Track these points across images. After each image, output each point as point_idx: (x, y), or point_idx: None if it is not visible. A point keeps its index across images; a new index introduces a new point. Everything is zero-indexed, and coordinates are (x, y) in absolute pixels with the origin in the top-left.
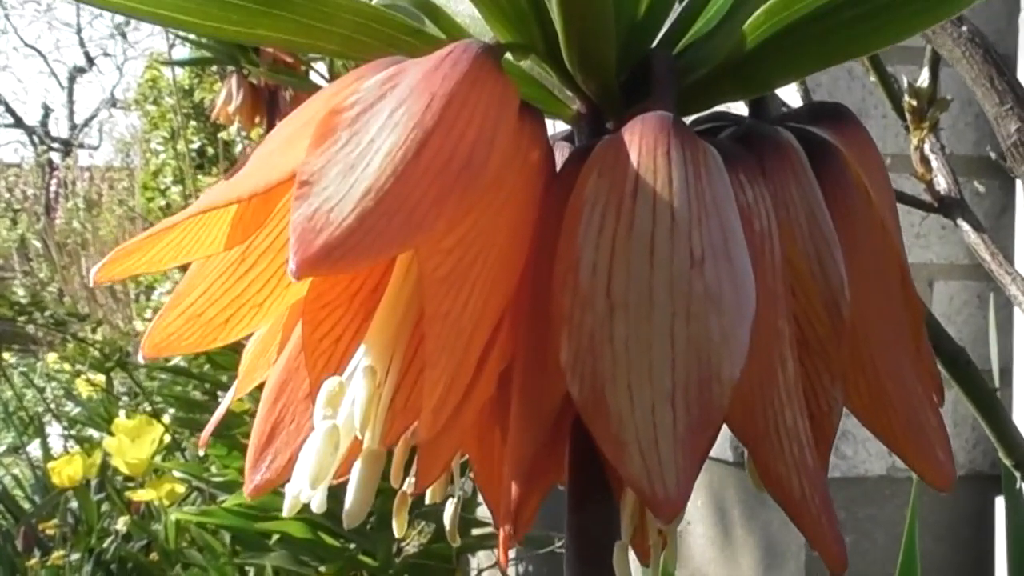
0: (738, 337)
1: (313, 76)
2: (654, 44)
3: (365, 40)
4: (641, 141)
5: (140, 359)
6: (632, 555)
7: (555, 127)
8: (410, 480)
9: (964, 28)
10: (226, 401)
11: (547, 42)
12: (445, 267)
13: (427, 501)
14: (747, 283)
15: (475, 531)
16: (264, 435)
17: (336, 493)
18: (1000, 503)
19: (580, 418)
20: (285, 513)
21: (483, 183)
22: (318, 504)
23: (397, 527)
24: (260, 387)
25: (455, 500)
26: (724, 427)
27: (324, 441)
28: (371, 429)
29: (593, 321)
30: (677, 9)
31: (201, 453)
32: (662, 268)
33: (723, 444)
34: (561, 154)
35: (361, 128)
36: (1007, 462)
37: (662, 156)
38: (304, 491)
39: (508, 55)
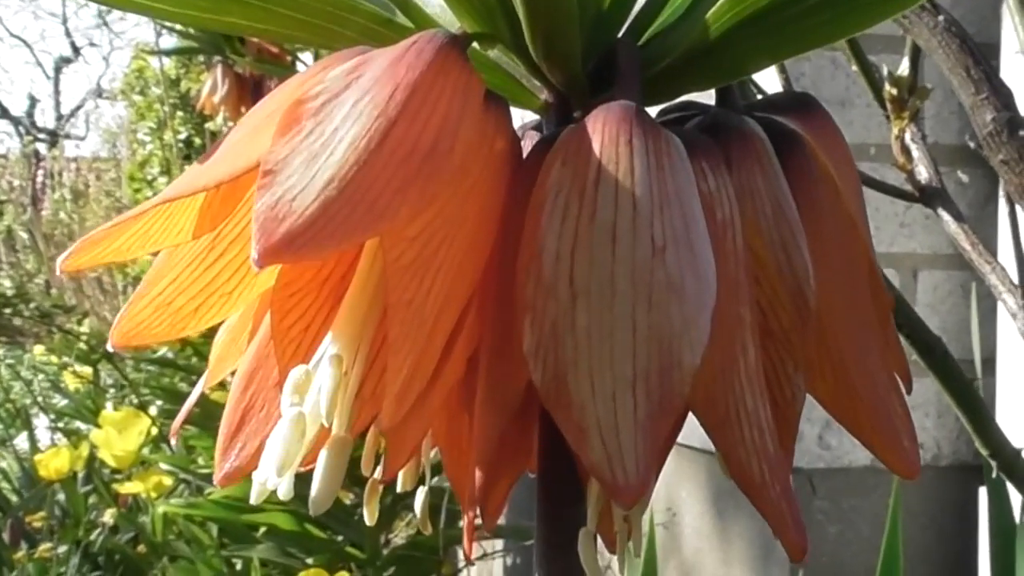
0: (699, 325)
1: (299, 67)
2: (620, 34)
3: (336, 30)
4: (604, 130)
5: (108, 347)
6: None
7: (524, 117)
8: (380, 468)
9: (941, 17)
10: (196, 391)
11: (514, 32)
12: (409, 255)
13: (399, 490)
14: (708, 271)
15: (462, 522)
16: (234, 423)
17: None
18: (983, 493)
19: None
20: (252, 500)
21: (447, 172)
22: (284, 491)
23: (368, 515)
24: None
25: (426, 488)
26: None
27: (290, 429)
28: (338, 416)
29: (556, 309)
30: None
31: (172, 442)
32: (624, 257)
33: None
34: (529, 143)
35: (325, 118)
36: (983, 451)
37: (624, 145)
38: (271, 478)
39: (476, 45)
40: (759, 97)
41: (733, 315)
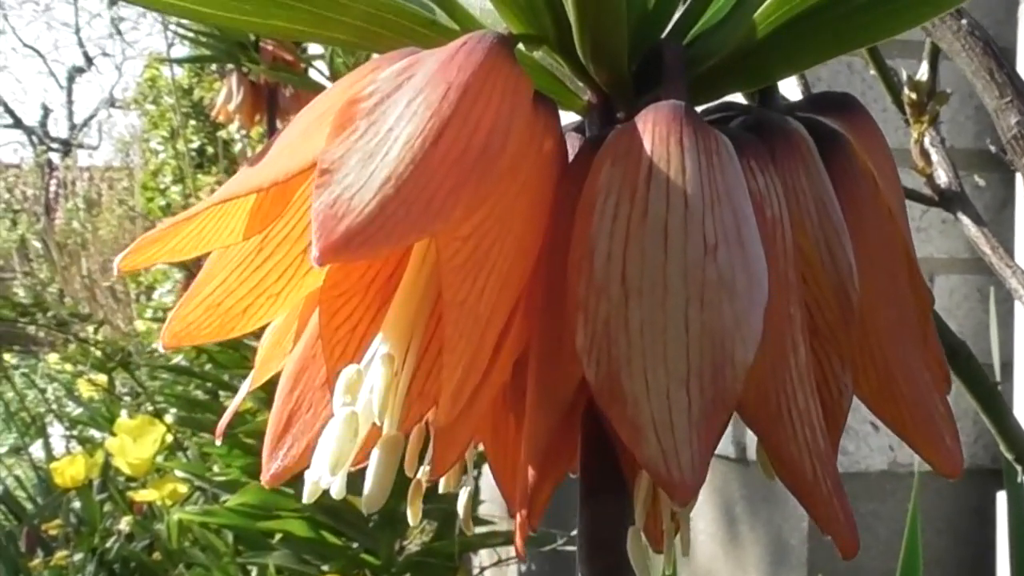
0: (751, 322)
1: (313, 74)
2: (664, 34)
3: (379, 31)
4: (654, 129)
5: (159, 348)
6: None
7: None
8: (424, 468)
9: (964, 21)
10: (241, 393)
11: (559, 33)
12: (462, 254)
13: (440, 490)
14: (759, 269)
15: (477, 529)
16: (281, 423)
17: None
18: (1001, 497)
19: (592, 406)
20: (305, 499)
21: (499, 171)
22: (337, 490)
23: (411, 515)
24: (260, 388)
25: (468, 489)
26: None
27: (343, 428)
28: (389, 416)
29: (608, 307)
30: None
31: (218, 443)
32: (676, 255)
33: (725, 440)
34: (572, 145)
35: (379, 117)
36: (1008, 455)
37: (675, 144)
38: (324, 477)
39: (520, 46)
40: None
41: (783, 313)
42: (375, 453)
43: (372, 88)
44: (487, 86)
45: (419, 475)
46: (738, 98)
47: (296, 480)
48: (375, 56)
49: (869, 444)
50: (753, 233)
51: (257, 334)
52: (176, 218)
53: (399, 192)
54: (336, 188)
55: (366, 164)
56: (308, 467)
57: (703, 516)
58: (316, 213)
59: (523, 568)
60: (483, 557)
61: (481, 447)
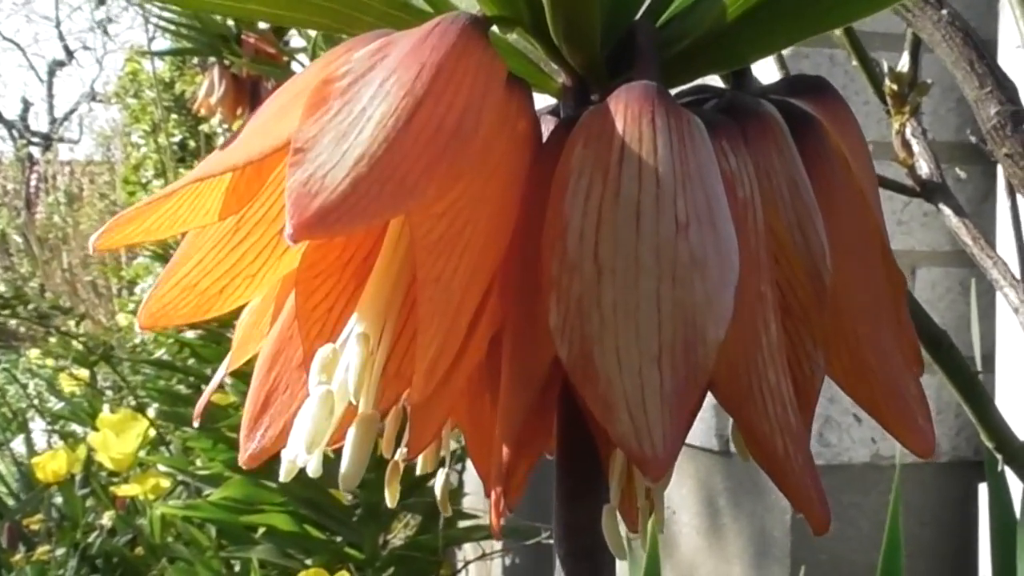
0: (722, 300)
1: (295, 67)
2: (637, 16)
3: (355, 15)
4: (626, 110)
5: (141, 339)
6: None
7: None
8: (401, 450)
9: (944, 11)
10: (220, 373)
11: (533, 15)
12: (436, 232)
13: (418, 471)
14: (731, 248)
15: (461, 523)
16: (258, 404)
17: (322, 485)
18: (983, 489)
19: (567, 387)
20: (282, 477)
21: (472, 151)
22: (314, 468)
23: (389, 497)
24: (242, 381)
25: (445, 471)
26: (709, 418)
27: (319, 406)
28: (365, 394)
29: (581, 285)
30: None
31: (195, 424)
32: (648, 233)
33: (708, 433)
34: (547, 127)
35: (353, 97)
36: (989, 444)
37: (647, 124)
38: (300, 456)
39: (494, 28)
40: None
41: (755, 292)
42: (351, 432)
43: (346, 68)
44: (460, 66)
45: (396, 456)
46: (714, 81)
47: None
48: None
49: (851, 436)
50: (724, 212)
51: (240, 311)
52: (151, 197)
53: (372, 170)
54: (310, 166)
55: (339, 143)
56: (285, 447)
57: (686, 509)
58: (290, 191)
59: (507, 562)
60: (467, 551)
61: (460, 433)
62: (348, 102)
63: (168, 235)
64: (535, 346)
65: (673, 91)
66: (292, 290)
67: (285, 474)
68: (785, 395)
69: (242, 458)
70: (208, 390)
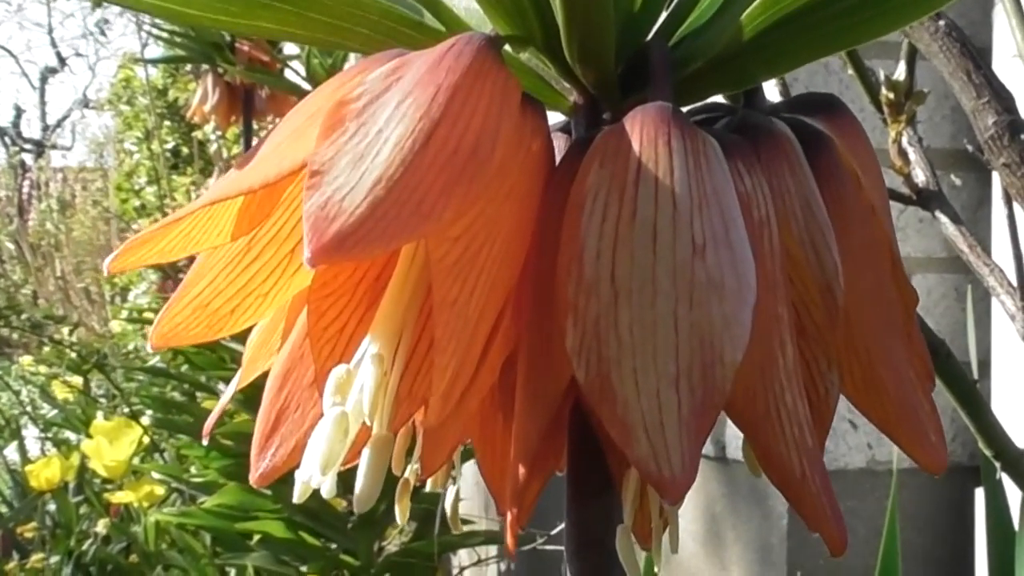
0: (740, 322)
1: (289, 75)
2: (650, 36)
3: (366, 33)
4: (642, 131)
5: (134, 348)
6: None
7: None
8: (412, 467)
9: (941, 22)
10: (229, 391)
11: (545, 34)
12: (453, 255)
13: (427, 489)
14: (748, 269)
15: (454, 530)
16: (269, 423)
17: (316, 492)
18: (980, 494)
19: (579, 406)
20: (296, 499)
21: (488, 173)
22: (328, 489)
23: (400, 514)
24: (238, 390)
25: (455, 487)
26: None
27: (334, 428)
28: (379, 416)
29: (598, 307)
30: (673, 1)
31: (205, 442)
32: (665, 255)
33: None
34: (558, 145)
35: (369, 119)
36: (987, 452)
37: (663, 145)
38: (314, 477)
39: (507, 47)
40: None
41: (772, 313)
42: (365, 453)
43: (361, 90)
44: (476, 88)
45: (407, 474)
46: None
47: (274, 481)
48: (357, 58)
49: (848, 442)
50: (741, 234)
51: (234, 335)
52: (165, 220)
53: (390, 193)
54: (327, 189)
55: (356, 165)
56: (295, 467)
57: (683, 515)
58: (307, 215)
59: (503, 568)
60: (463, 557)
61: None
62: (364, 124)
63: (181, 256)
64: (551, 368)
65: (684, 109)
66: (303, 309)
67: (299, 495)
68: (802, 416)
69: (253, 477)
70: (215, 411)
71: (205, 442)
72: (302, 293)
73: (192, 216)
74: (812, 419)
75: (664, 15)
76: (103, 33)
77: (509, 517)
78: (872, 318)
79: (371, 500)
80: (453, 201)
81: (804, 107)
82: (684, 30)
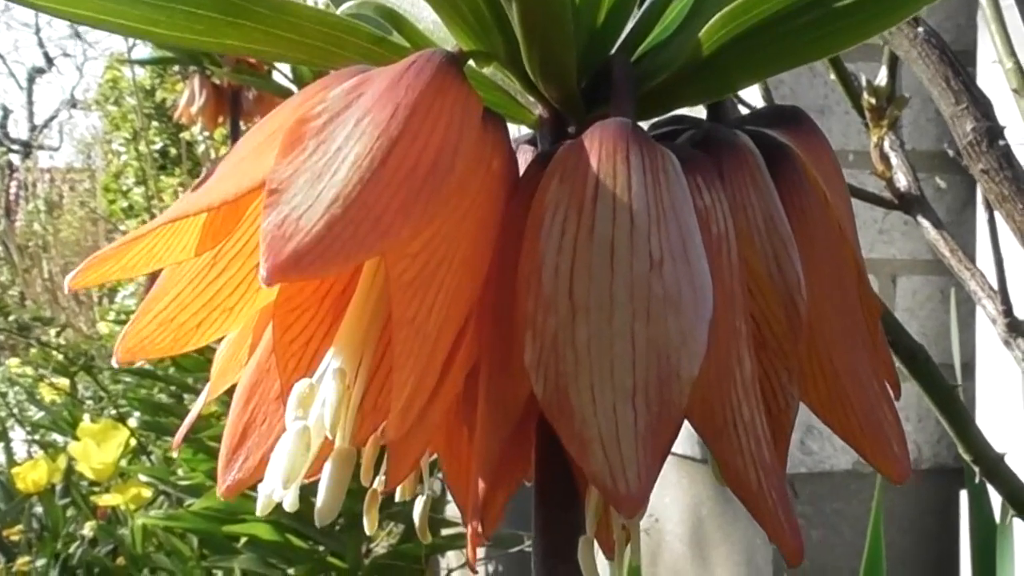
0: (696, 337)
1: (276, 76)
2: (613, 50)
3: (331, 49)
4: (600, 147)
5: (113, 363)
6: (601, 554)
7: (518, 131)
8: (380, 478)
9: (920, 29)
10: (198, 405)
11: (509, 49)
12: (411, 272)
13: (396, 499)
14: (705, 284)
15: (444, 531)
16: (236, 436)
17: (306, 495)
18: (964, 496)
19: (545, 417)
20: (258, 512)
21: (448, 190)
22: (290, 503)
23: (368, 524)
24: (229, 391)
25: (424, 498)
26: (691, 428)
27: (296, 442)
28: (342, 429)
29: (556, 323)
30: (636, 16)
31: (174, 455)
32: (622, 271)
33: (690, 441)
34: (524, 158)
35: (328, 137)
36: (966, 457)
37: (621, 162)
38: (276, 490)
39: (471, 62)
40: (742, 108)
41: (729, 327)
42: (327, 466)
43: (321, 107)
44: (435, 105)
45: (375, 485)
46: (699, 111)
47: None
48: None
49: (834, 444)
50: (698, 249)
51: (221, 339)
52: (127, 237)
53: (347, 212)
54: (284, 208)
55: (314, 184)
56: (262, 480)
57: (669, 517)
58: (264, 233)
59: (490, 569)
60: (451, 559)
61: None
62: (323, 142)
63: (145, 272)
64: (511, 382)
65: (650, 121)
66: (269, 323)
67: (262, 508)
68: (759, 430)
69: (220, 490)
70: (188, 418)
71: (175, 454)
72: (268, 307)
73: (154, 233)
74: (772, 431)
75: (627, 30)
76: (77, 35)
77: (470, 530)
78: (836, 329)
79: (333, 513)
80: (411, 218)
81: (769, 120)
82: (647, 45)
